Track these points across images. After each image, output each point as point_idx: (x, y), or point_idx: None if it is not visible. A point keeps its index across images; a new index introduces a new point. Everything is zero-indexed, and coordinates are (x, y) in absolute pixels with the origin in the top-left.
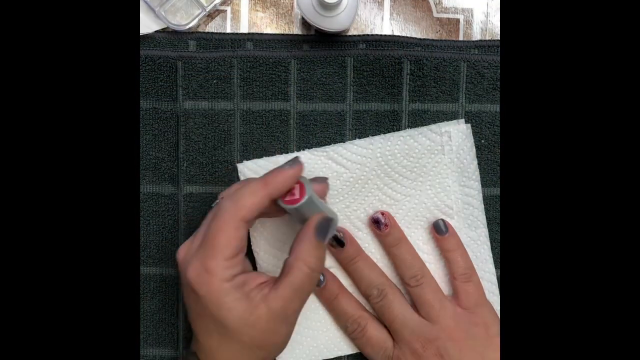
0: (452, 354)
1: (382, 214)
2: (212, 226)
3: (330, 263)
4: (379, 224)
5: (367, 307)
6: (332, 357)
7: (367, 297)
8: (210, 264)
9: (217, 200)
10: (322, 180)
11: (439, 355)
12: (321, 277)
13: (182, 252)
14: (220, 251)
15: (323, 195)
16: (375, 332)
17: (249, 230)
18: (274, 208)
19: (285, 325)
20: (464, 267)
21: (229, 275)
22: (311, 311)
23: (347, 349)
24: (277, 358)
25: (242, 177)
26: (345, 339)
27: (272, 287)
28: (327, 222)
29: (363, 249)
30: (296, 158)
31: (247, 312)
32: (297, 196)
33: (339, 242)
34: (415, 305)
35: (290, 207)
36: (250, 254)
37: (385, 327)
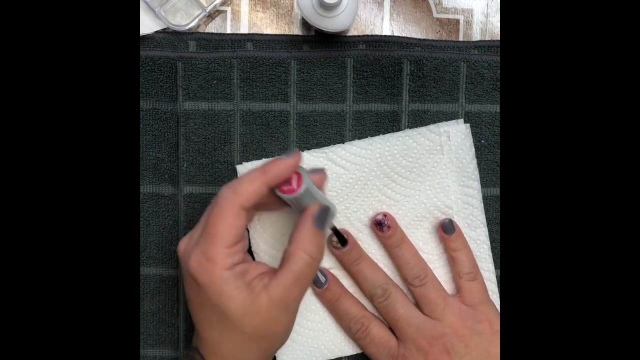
0: (458, 349)
1: (384, 215)
2: (212, 215)
3: (331, 264)
4: (381, 225)
5: (369, 309)
6: (333, 357)
7: (371, 297)
8: (211, 252)
9: None
10: (320, 171)
11: (446, 352)
12: (323, 279)
13: (183, 244)
14: (221, 239)
15: (321, 185)
16: (378, 332)
17: (248, 233)
18: (273, 199)
19: (286, 314)
20: (469, 266)
21: (230, 264)
22: (312, 312)
23: (348, 349)
24: (278, 358)
25: None
26: (347, 339)
27: (272, 276)
28: (325, 211)
29: (363, 248)
30: (295, 149)
31: (248, 301)
32: (294, 186)
33: (340, 239)
34: (418, 305)
35: (288, 197)
36: (250, 254)
37: (388, 327)
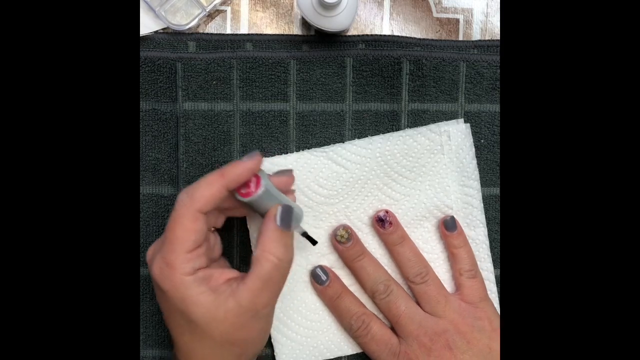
0: (460, 345)
1: (386, 212)
2: (170, 220)
3: (331, 263)
4: (382, 222)
5: (370, 308)
6: (332, 357)
7: (372, 293)
8: (170, 258)
9: None
10: (286, 173)
11: (448, 348)
12: (324, 277)
13: (150, 251)
14: (179, 244)
15: (287, 187)
16: (379, 329)
17: (250, 237)
18: (236, 203)
19: (256, 320)
20: (470, 263)
21: (190, 269)
22: (311, 312)
23: (348, 349)
24: (278, 358)
25: None
26: (346, 339)
27: (240, 281)
28: (288, 210)
29: None
30: (256, 151)
31: (214, 307)
32: (252, 189)
33: (311, 241)
34: (418, 303)
35: (246, 200)
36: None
37: (386, 326)
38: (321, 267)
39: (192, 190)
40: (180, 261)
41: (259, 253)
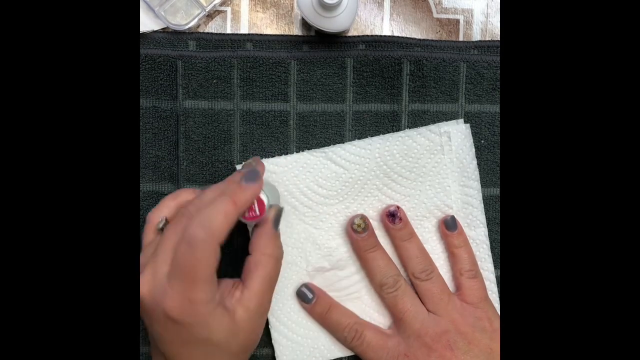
0: (461, 346)
1: (397, 207)
2: (189, 258)
3: (332, 264)
4: (393, 217)
5: (379, 308)
6: (333, 358)
7: (380, 286)
8: (194, 294)
9: (163, 220)
10: (257, 164)
11: (449, 348)
12: (310, 295)
13: (147, 285)
14: (203, 281)
15: (264, 170)
16: (374, 336)
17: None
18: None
19: (262, 319)
20: (470, 263)
21: (212, 297)
22: None
23: (348, 350)
24: (278, 359)
25: None
26: None
27: (243, 288)
28: (280, 212)
29: None
30: (254, 170)
31: (232, 323)
32: (257, 212)
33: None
34: (421, 300)
35: (251, 222)
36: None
37: (379, 330)
38: (306, 286)
39: (208, 223)
40: (205, 294)
41: (259, 256)
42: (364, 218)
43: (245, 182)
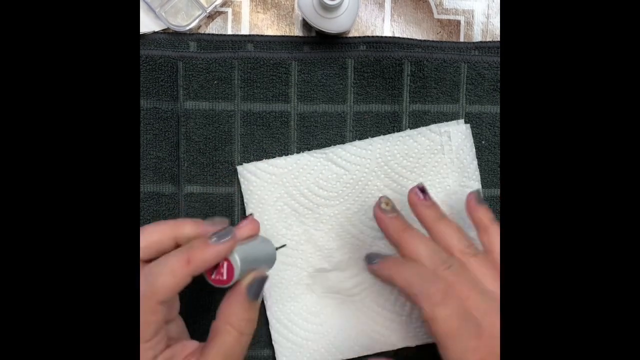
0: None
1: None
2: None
3: (333, 265)
4: (423, 192)
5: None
6: None
7: (435, 265)
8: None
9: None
10: (249, 223)
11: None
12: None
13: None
14: (142, 340)
15: (255, 232)
16: None
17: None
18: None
19: None
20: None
21: (151, 357)
22: (313, 315)
23: (348, 352)
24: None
25: (242, 180)
26: (347, 342)
27: (199, 356)
28: (261, 282)
29: (365, 250)
30: (230, 228)
31: None
32: (224, 277)
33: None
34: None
35: (216, 286)
36: None
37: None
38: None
39: (152, 278)
40: (143, 353)
41: (221, 324)
42: (388, 199)
43: (212, 240)
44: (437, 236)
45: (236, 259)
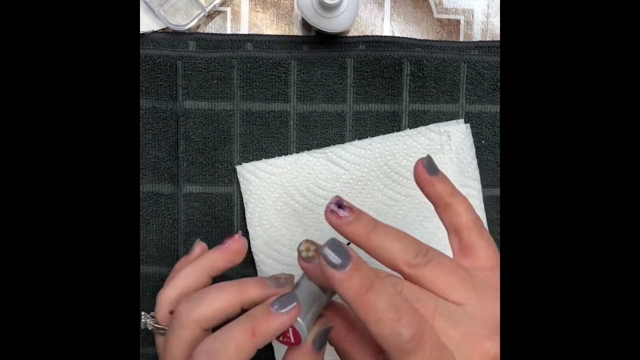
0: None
1: (339, 197)
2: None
3: None
4: (340, 206)
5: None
6: None
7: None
8: None
9: None
10: (237, 242)
11: None
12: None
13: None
14: None
15: (243, 252)
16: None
17: (248, 240)
18: None
19: None
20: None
21: None
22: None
23: None
24: (277, 359)
25: (241, 180)
26: None
27: None
28: (326, 333)
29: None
30: (291, 295)
31: None
32: (292, 340)
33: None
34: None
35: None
36: (250, 257)
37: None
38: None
39: (216, 356)
40: None
41: None
42: (307, 244)
43: (276, 310)
44: (374, 253)
45: (302, 326)
